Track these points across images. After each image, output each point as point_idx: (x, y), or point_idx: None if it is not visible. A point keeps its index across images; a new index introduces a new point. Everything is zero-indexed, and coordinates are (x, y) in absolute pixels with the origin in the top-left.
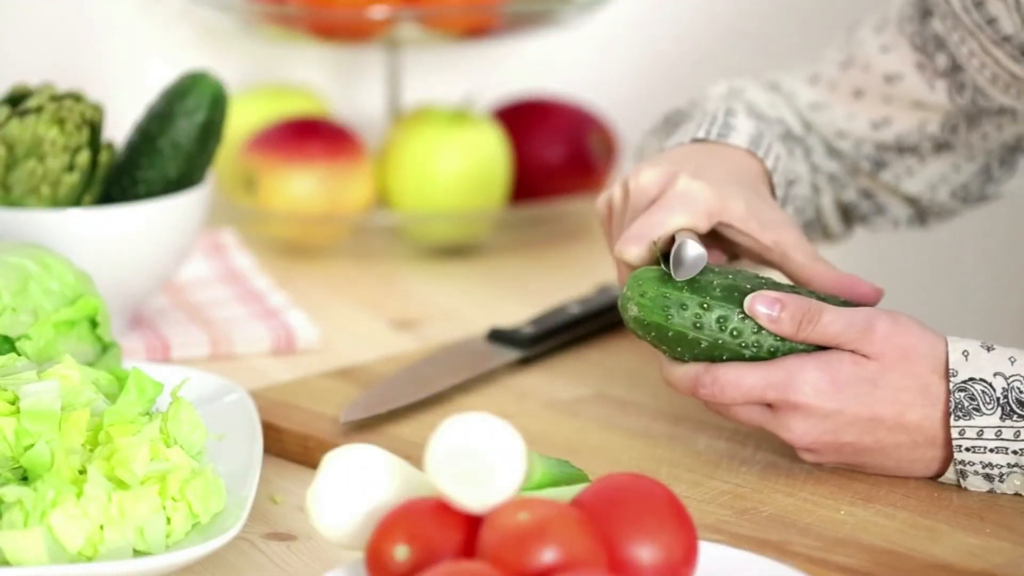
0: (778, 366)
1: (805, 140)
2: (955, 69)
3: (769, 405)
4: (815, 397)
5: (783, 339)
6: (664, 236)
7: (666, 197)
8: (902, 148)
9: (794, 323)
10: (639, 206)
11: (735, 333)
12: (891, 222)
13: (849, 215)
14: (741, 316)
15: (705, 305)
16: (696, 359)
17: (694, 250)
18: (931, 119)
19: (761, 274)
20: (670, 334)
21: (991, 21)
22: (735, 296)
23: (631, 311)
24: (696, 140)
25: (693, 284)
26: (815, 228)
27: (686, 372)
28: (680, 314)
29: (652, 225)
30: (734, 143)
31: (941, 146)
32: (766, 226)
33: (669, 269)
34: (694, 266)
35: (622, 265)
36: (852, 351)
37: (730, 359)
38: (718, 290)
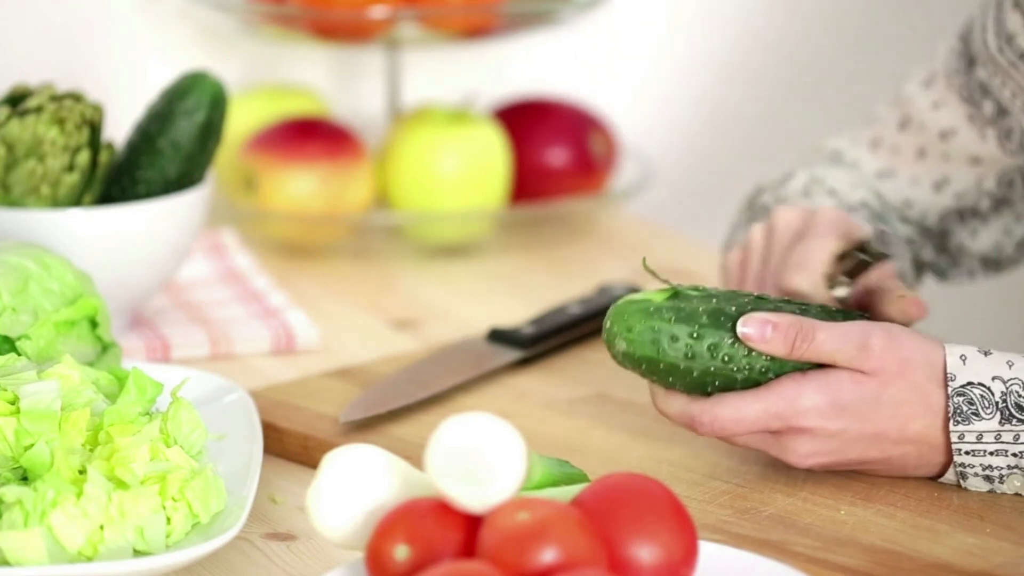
0: (776, 394)
1: (885, 215)
2: (1001, 113)
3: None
4: (818, 420)
5: (775, 358)
6: (826, 261)
7: (815, 226)
8: (962, 211)
9: (787, 342)
10: (784, 240)
11: (726, 359)
12: (967, 272)
13: (922, 271)
14: (731, 341)
15: (695, 334)
16: (687, 386)
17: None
18: (987, 175)
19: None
20: (661, 366)
21: (1022, 56)
22: (722, 321)
23: (619, 346)
24: None
25: (679, 313)
26: None
27: (682, 410)
28: (672, 346)
29: (810, 250)
30: None
31: (1000, 202)
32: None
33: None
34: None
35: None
36: (849, 369)
37: (722, 384)
38: (704, 316)
